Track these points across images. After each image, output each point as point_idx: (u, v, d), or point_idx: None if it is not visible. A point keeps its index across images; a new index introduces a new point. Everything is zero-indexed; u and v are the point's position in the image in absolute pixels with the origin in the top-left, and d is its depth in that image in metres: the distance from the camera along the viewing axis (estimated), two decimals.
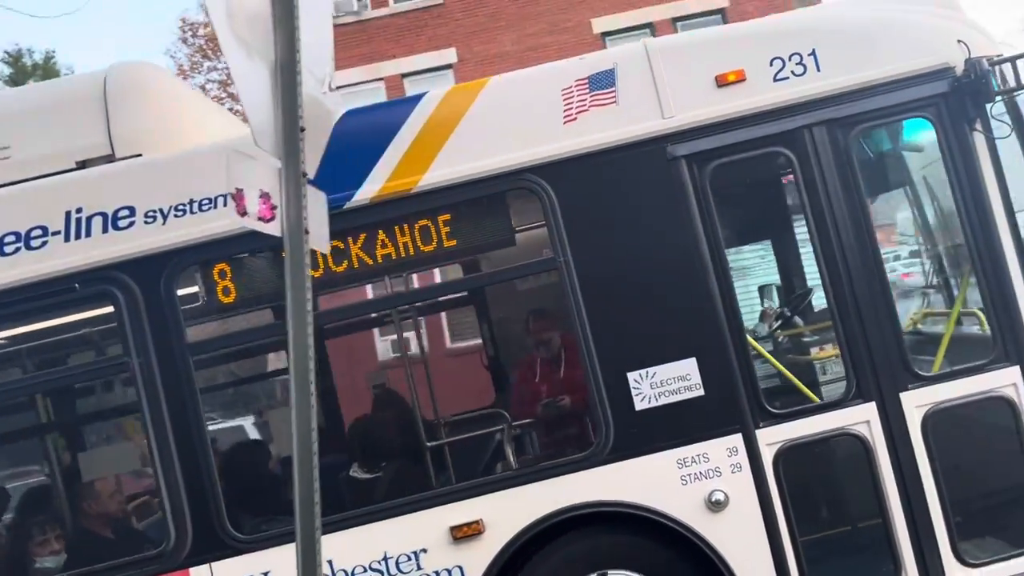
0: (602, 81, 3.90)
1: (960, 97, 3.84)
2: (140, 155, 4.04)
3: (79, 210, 3.81)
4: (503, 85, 4.01)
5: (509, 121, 3.90)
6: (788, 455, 3.77)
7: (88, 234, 3.81)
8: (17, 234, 3.81)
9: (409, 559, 3.73)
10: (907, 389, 3.80)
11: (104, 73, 4.24)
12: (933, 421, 3.78)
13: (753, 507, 3.74)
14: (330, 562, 3.71)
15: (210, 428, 3.78)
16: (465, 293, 5.39)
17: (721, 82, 3.89)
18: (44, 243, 3.81)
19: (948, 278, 4.64)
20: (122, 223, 3.81)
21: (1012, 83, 3.80)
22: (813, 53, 3.88)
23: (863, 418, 3.80)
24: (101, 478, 4.10)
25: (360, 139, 3.88)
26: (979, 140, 3.86)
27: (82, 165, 4.04)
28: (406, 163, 3.85)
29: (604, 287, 3.83)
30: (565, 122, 3.87)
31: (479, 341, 5.14)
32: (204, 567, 3.70)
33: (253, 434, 4.37)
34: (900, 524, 3.76)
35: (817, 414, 3.84)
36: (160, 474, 3.71)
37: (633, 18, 15.88)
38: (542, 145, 3.85)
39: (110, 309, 3.82)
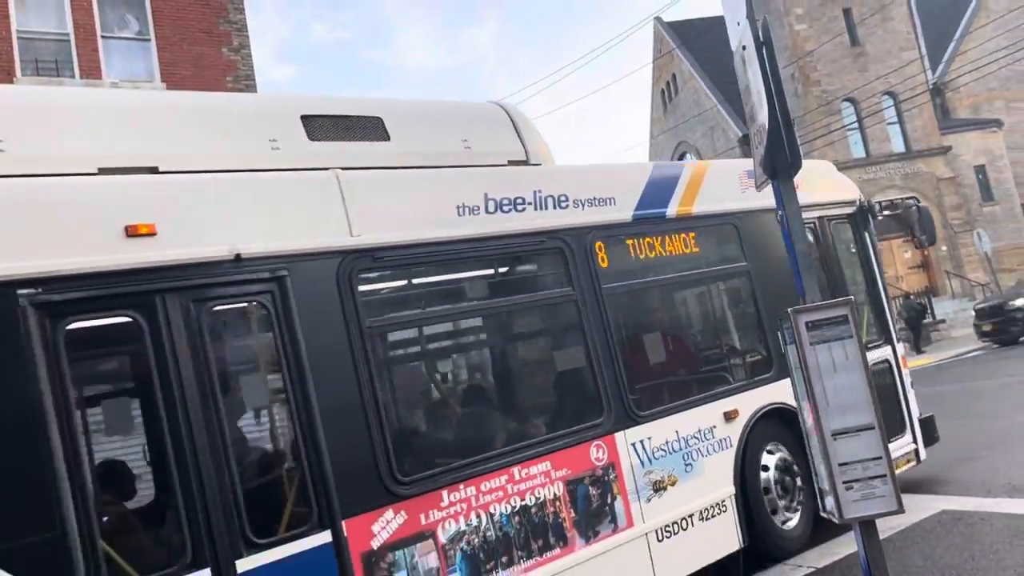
0: (749, 174, 7.12)
1: (862, 216, 7.97)
2: (540, 164, 5.93)
3: (539, 191, 5.57)
4: (718, 166, 6.94)
5: (722, 185, 6.84)
6: None
7: (546, 207, 5.57)
8: (509, 199, 5.38)
9: (710, 431, 6.10)
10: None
11: (491, 105, 6.01)
12: None
13: None
14: (676, 431, 5.88)
15: (615, 337, 5.71)
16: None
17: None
18: (524, 208, 5.45)
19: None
20: (563, 204, 5.67)
21: (884, 211, 8.11)
22: (816, 182, 7.68)
23: None
24: (555, 371, 5.52)
25: (661, 181, 6.40)
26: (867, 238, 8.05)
27: (509, 164, 5.75)
28: (684, 198, 6.49)
29: (764, 282, 6.88)
30: (742, 191, 6.97)
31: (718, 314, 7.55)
32: (621, 433, 5.55)
33: (648, 334, 6.16)
34: None
35: None
36: (597, 367, 5.51)
37: None
38: (736, 202, 6.87)
39: (559, 258, 5.58)
